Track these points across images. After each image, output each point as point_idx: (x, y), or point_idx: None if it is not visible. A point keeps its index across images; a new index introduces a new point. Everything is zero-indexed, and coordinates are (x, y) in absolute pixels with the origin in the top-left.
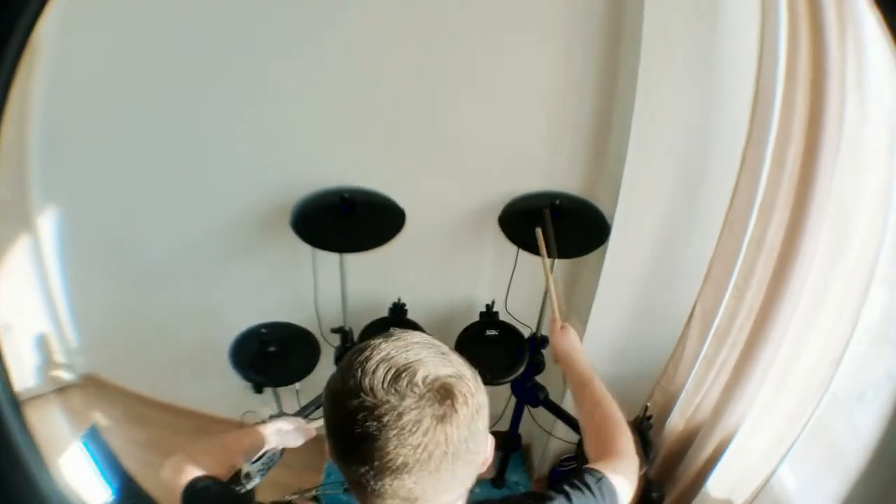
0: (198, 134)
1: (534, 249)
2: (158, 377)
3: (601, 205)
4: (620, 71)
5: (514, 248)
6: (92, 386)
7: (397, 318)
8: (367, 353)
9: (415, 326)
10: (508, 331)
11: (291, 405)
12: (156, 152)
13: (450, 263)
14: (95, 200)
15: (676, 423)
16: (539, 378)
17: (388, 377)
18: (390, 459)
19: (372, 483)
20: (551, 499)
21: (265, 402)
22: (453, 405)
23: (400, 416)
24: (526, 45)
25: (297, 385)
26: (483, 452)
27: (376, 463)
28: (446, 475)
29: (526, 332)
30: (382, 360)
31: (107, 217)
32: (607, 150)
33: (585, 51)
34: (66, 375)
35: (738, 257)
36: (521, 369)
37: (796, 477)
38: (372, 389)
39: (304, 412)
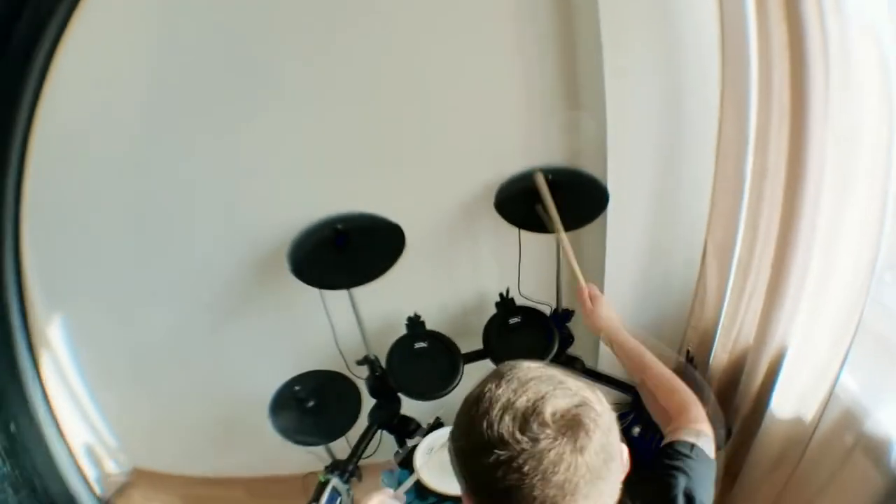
0: (183, 200)
1: (535, 227)
2: (200, 453)
3: (592, 170)
4: (579, 30)
5: (514, 231)
6: (143, 480)
7: (417, 332)
8: (485, 404)
9: (436, 336)
10: (530, 314)
11: (339, 446)
12: (144, 229)
13: (454, 264)
14: (95, 294)
15: (720, 357)
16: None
17: (517, 425)
18: (541, 496)
19: None
20: (674, 477)
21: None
22: (587, 434)
23: (539, 460)
24: (480, 34)
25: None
26: (621, 460)
27: None
28: (595, 496)
29: (547, 311)
30: (505, 409)
31: (109, 308)
32: (582, 113)
33: (538, 20)
34: (119, 477)
35: (743, 187)
36: (555, 347)
37: (858, 381)
38: (503, 441)
39: (357, 453)
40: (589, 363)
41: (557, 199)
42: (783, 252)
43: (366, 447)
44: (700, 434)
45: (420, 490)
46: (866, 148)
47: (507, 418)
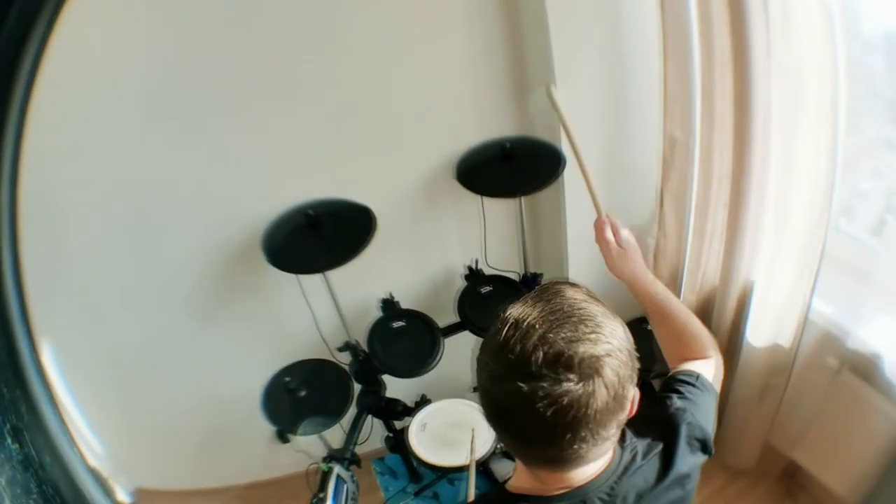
0: (152, 197)
1: (497, 193)
2: (199, 465)
3: (546, 137)
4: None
5: (476, 204)
6: (146, 499)
7: (393, 312)
8: (521, 329)
9: (412, 314)
10: (499, 282)
11: (333, 437)
12: (112, 228)
13: (421, 241)
14: (66, 297)
15: (689, 299)
16: None
17: (546, 362)
18: (555, 435)
19: (540, 452)
20: (669, 398)
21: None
22: (606, 386)
23: (555, 401)
24: (429, 17)
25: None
26: (631, 405)
27: (539, 439)
28: (591, 437)
29: (516, 277)
30: (539, 343)
31: (80, 310)
32: (530, 78)
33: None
34: (126, 499)
35: (692, 136)
36: None
37: (832, 306)
38: (530, 375)
39: (352, 439)
40: None
41: (515, 166)
42: (738, 192)
43: (359, 433)
44: (706, 362)
45: (412, 472)
46: (812, 82)
47: (539, 353)
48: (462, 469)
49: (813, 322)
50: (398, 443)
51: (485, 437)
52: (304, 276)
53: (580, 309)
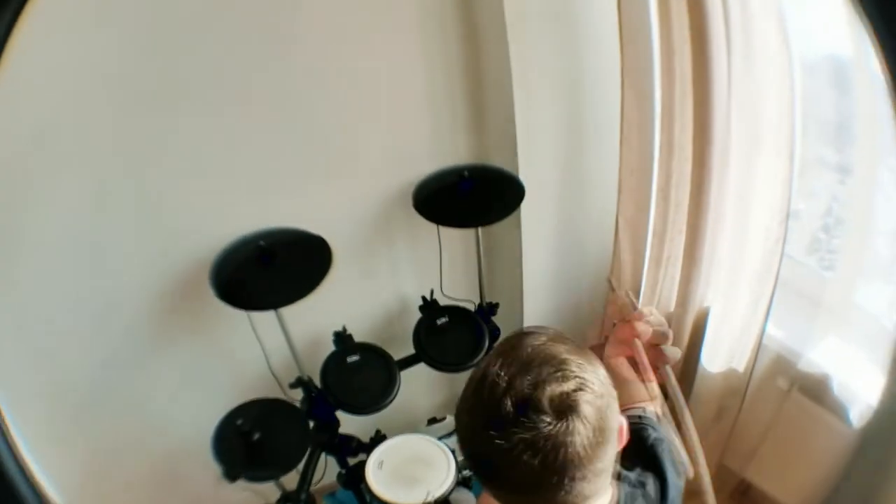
0: (91, 221)
1: (453, 222)
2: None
3: (502, 165)
4: (482, 31)
5: (433, 234)
6: None
7: (347, 346)
8: (487, 385)
9: (367, 347)
10: (456, 312)
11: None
12: (47, 256)
13: (374, 272)
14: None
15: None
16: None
17: (516, 410)
18: (549, 482)
19: (541, 501)
20: (643, 429)
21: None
22: (584, 419)
23: (536, 447)
24: (385, 45)
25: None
26: (619, 435)
27: (536, 487)
28: (591, 476)
29: (471, 307)
30: (505, 393)
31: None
32: (488, 107)
33: (442, 25)
34: None
35: (651, 164)
36: (486, 343)
37: (784, 331)
38: (504, 426)
39: (307, 479)
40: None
41: (475, 196)
42: (696, 219)
43: (313, 473)
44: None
45: None
46: (772, 112)
47: (507, 402)
48: None
49: (766, 347)
50: (351, 479)
51: (442, 478)
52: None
53: (541, 352)
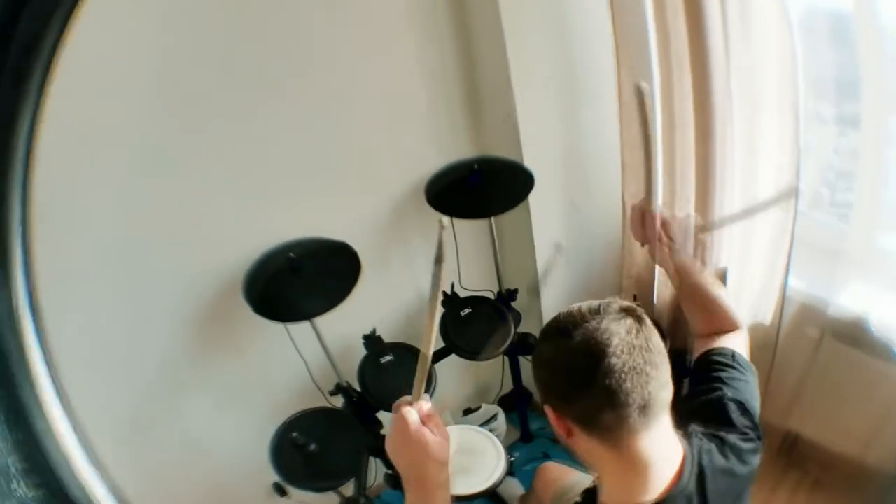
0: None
1: (468, 214)
2: None
3: (508, 154)
4: (476, 26)
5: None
6: None
7: (376, 348)
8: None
9: (398, 346)
10: (477, 302)
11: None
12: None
13: (394, 271)
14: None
15: (663, 295)
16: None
17: (590, 312)
18: (633, 369)
19: (620, 410)
20: (719, 389)
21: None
22: (647, 323)
23: (612, 333)
24: (384, 50)
25: None
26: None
27: (628, 378)
28: (661, 374)
29: (492, 296)
30: (581, 311)
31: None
32: (489, 99)
33: (438, 25)
34: None
35: (653, 137)
36: (513, 329)
37: (807, 282)
38: (580, 323)
39: (362, 483)
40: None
41: (486, 187)
42: (704, 189)
43: (366, 477)
44: (737, 334)
45: None
46: (773, 77)
47: (583, 308)
48: (480, 495)
49: (790, 298)
50: (398, 479)
51: (493, 465)
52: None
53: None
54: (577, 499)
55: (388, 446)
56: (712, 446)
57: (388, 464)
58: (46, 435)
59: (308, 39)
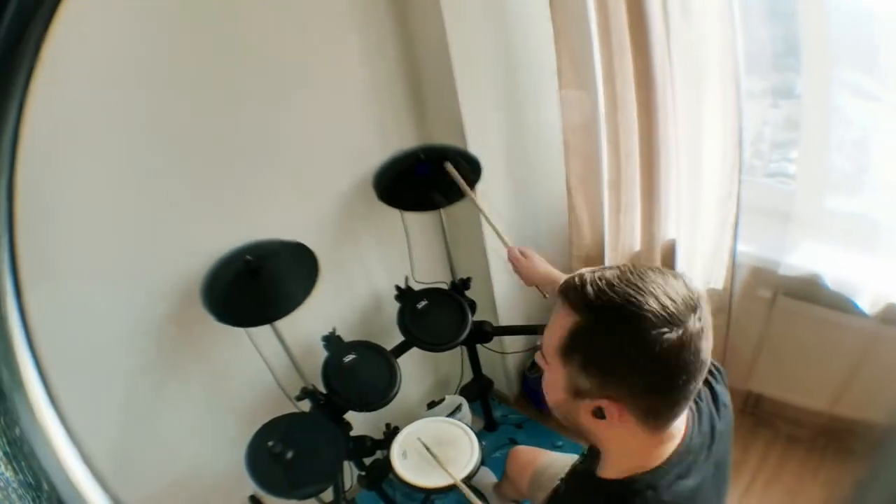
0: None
1: (418, 207)
2: None
3: (452, 143)
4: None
5: (397, 223)
6: None
7: (337, 348)
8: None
9: (359, 345)
10: (433, 294)
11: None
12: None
13: (348, 269)
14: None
15: None
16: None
17: (679, 307)
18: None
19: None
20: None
21: None
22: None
23: (703, 328)
24: (324, 43)
25: None
26: None
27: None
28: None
29: (446, 286)
30: (660, 301)
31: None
32: (430, 88)
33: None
34: None
35: (596, 118)
36: (471, 317)
37: (756, 245)
38: (679, 321)
39: (340, 488)
40: (495, 323)
41: (435, 178)
42: (649, 163)
43: (343, 481)
44: None
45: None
46: (714, 52)
47: (680, 305)
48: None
49: (740, 263)
50: (373, 478)
51: (468, 454)
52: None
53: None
54: (561, 476)
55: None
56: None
57: (360, 465)
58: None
59: (247, 39)
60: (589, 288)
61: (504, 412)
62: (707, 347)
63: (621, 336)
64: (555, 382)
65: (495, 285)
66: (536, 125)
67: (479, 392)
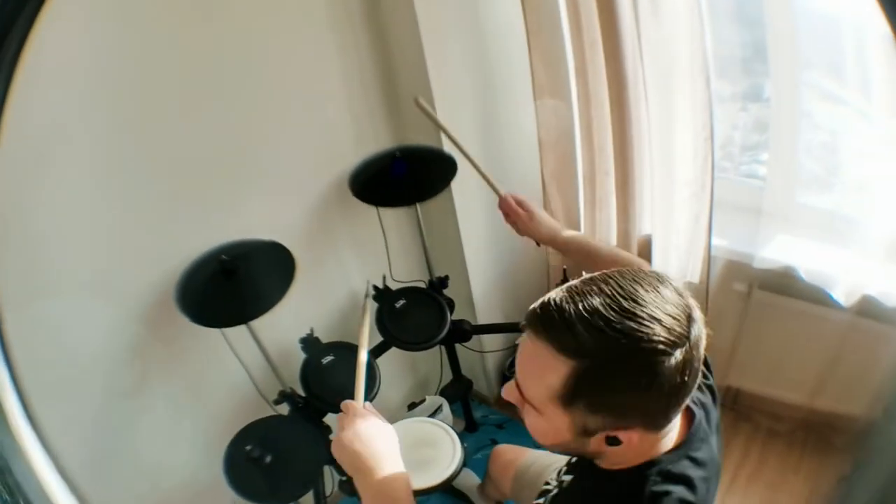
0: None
1: (393, 203)
2: None
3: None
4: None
5: (374, 222)
6: None
7: (315, 350)
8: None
9: (337, 346)
10: (410, 293)
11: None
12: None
13: (322, 272)
14: None
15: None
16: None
17: (676, 323)
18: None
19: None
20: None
21: None
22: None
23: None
24: (297, 45)
25: None
26: None
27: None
28: None
29: (423, 285)
30: (653, 318)
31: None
32: (404, 87)
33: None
34: None
35: (570, 114)
36: (449, 314)
37: (731, 240)
38: (677, 341)
39: (321, 495)
40: (473, 321)
41: (410, 176)
42: (623, 159)
43: (324, 484)
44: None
45: None
46: (684, 49)
47: (682, 322)
48: (443, 485)
49: (715, 257)
50: (355, 484)
51: (450, 454)
52: (229, 330)
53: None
54: (547, 474)
55: (336, 443)
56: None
57: (341, 471)
58: None
59: (221, 39)
60: (580, 329)
61: (485, 413)
62: (702, 346)
63: (633, 374)
64: (554, 428)
65: (473, 283)
66: (511, 122)
67: (459, 393)
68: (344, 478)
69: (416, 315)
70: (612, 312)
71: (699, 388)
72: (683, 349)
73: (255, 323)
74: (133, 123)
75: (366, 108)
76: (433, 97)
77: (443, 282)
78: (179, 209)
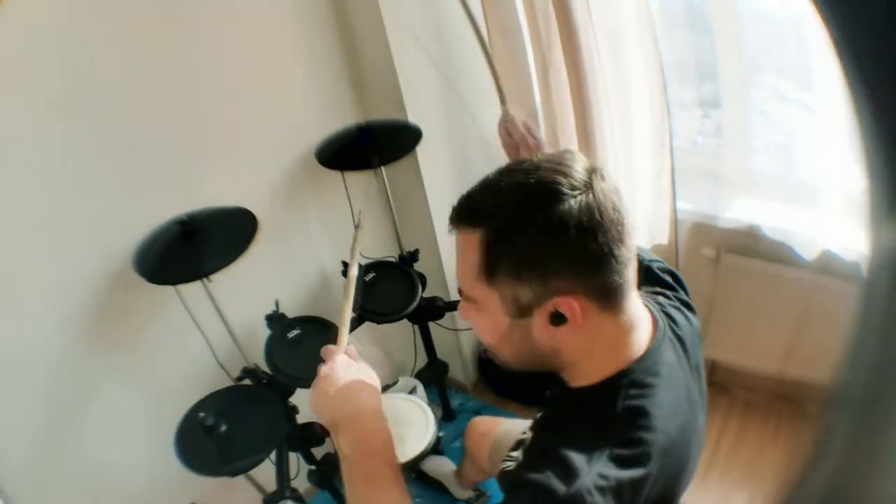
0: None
1: (356, 166)
2: None
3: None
4: None
5: (340, 199)
6: None
7: (281, 325)
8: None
9: (305, 320)
10: (381, 267)
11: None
12: None
13: (290, 247)
14: None
15: None
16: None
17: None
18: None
19: (620, 261)
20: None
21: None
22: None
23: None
24: (262, 22)
25: None
26: None
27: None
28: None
29: (395, 258)
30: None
31: None
32: (368, 62)
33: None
34: None
35: (529, 86)
36: (420, 287)
37: (694, 203)
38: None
39: (285, 475)
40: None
41: (375, 144)
42: (584, 122)
43: (288, 465)
44: None
45: None
46: (633, 35)
47: (580, 170)
48: (419, 459)
49: (682, 221)
50: (324, 475)
51: (423, 430)
52: (190, 300)
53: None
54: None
55: (315, 396)
56: (661, 299)
57: (310, 458)
58: None
59: (184, 14)
60: (479, 198)
61: (462, 400)
62: (622, 207)
63: (538, 220)
64: (490, 315)
65: (444, 259)
66: (476, 96)
67: (435, 376)
68: (313, 466)
69: (388, 288)
70: (505, 176)
71: (666, 297)
72: (587, 193)
73: (220, 300)
74: (93, 96)
75: (331, 86)
76: (396, 71)
77: (413, 256)
78: (141, 183)
